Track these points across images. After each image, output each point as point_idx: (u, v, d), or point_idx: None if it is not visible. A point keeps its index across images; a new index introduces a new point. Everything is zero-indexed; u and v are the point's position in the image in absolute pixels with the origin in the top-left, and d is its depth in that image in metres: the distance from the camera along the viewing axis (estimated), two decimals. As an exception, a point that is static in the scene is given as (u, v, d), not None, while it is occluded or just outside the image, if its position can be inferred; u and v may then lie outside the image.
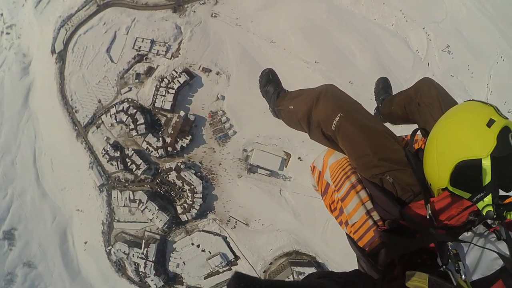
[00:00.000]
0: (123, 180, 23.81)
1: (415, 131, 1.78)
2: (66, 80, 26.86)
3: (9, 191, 30.41)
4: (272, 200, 21.67)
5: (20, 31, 31.39)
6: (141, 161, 22.21)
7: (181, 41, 23.02)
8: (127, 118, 22.29)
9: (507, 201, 1.26)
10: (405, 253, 1.29)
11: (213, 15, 23.25)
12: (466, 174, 1.22)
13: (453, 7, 22.06)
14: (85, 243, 28.31)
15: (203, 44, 22.54)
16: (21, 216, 30.15)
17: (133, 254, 23.90)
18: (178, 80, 21.45)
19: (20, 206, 30.08)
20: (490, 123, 1.20)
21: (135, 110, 22.17)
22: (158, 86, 22.17)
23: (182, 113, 21.33)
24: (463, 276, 1.01)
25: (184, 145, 21.54)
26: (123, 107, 22.64)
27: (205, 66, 21.96)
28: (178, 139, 21.41)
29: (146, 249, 23.28)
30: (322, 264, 21.99)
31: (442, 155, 1.30)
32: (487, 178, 1.18)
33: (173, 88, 21.44)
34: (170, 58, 22.70)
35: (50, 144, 29.01)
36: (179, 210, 22.53)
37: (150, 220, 22.99)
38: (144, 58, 23.40)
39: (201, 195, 21.69)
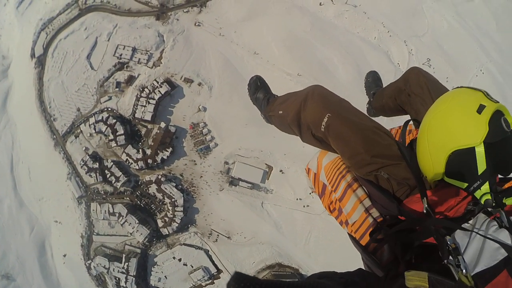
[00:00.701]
0: (102, 192, 23.10)
1: (406, 122, 1.76)
2: (45, 86, 25.99)
3: (-15, 201, 29.24)
4: (254, 213, 21.36)
5: (0, 32, 30.38)
6: (120, 173, 21.57)
7: (163, 49, 22.50)
8: (106, 128, 21.63)
9: (506, 185, 1.23)
10: (407, 249, 1.25)
11: (196, 24, 22.83)
12: (460, 164, 1.20)
13: (435, 21, 22.29)
14: (64, 255, 27.46)
15: (186, 53, 22.08)
16: None
17: (114, 269, 23.22)
18: (159, 91, 20.93)
19: None
20: (480, 109, 1.17)
21: (114, 120, 21.53)
22: (138, 96, 21.60)
23: (162, 125, 20.81)
24: (463, 271, 0.95)
25: (165, 157, 21.02)
26: (102, 117, 21.97)
27: (187, 77, 21.50)
28: (158, 151, 20.87)
29: (126, 263, 22.64)
30: (305, 276, 21.80)
31: (434, 147, 1.28)
32: (482, 166, 1.15)
33: (154, 99, 20.90)
34: (152, 67, 22.16)
35: (27, 152, 28.08)
36: (160, 223, 21.97)
37: (130, 233, 22.35)
38: (125, 66, 22.78)
39: (182, 208, 21.20)
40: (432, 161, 1.29)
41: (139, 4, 24.23)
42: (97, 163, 22.42)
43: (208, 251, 22.11)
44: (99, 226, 24.31)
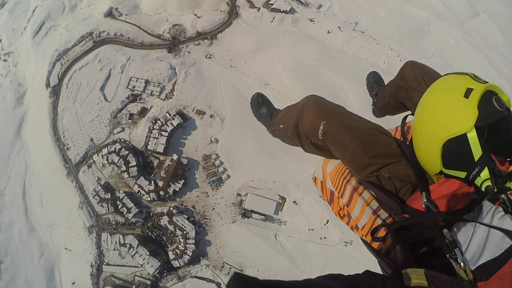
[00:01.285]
0: (113, 222, 23.05)
1: (404, 118, 1.72)
2: (59, 115, 26.55)
3: (-3, 223, 29.36)
4: (267, 245, 20.99)
5: (17, 60, 31.52)
6: (132, 204, 21.56)
7: (175, 82, 22.94)
8: (119, 159, 21.82)
9: (510, 169, 1.15)
10: (417, 246, 1.22)
11: (207, 56, 23.33)
12: (455, 153, 1.16)
13: (442, 41, 22.46)
14: (73, 283, 27.16)
15: (197, 85, 22.46)
16: (8, 249, 29.03)
17: (122, 300, 22.82)
18: (171, 123, 21.17)
19: (7, 239, 29.00)
20: (467, 93, 1.13)
21: (127, 152, 21.73)
22: (151, 128, 21.86)
23: (175, 157, 20.92)
24: (461, 264, 0.90)
25: (177, 189, 20.99)
26: (115, 148, 22.21)
27: (199, 109, 21.77)
28: (170, 183, 20.88)
29: (135, 295, 22.27)
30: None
31: (427, 140, 1.25)
32: (478, 152, 1.10)
33: (166, 131, 21.12)
34: (164, 99, 22.53)
35: (40, 178, 28.42)
36: (171, 255, 21.69)
37: (141, 265, 22.07)
38: (138, 98, 23.21)
39: (193, 241, 20.96)
40: (428, 154, 1.26)
41: (152, 37, 24.99)
42: (109, 194, 22.49)
43: (220, 284, 21.64)
44: (109, 256, 24.11)
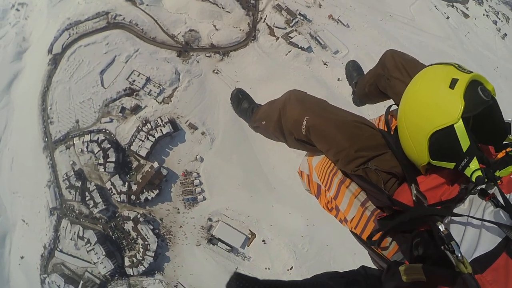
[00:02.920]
0: (77, 211, 22.28)
1: (388, 108, 1.70)
2: (52, 86, 25.60)
3: (-41, 171, 28.10)
4: (226, 276, 20.30)
5: (29, 13, 30.41)
6: (100, 199, 20.86)
7: (176, 88, 22.36)
8: (99, 151, 21.10)
9: (500, 155, 1.16)
10: (406, 237, 1.19)
11: (215, 71, 22.87)
12: (442, 144, 1.15)
13: None
14: (22, 257, 26.21)
15: (197, 98, 21.95)
16: None
17: (67, 292, 22.07)
18: (161, 129, 20.59)
19: None
20: (452, 83, 1.12)
21: (109, 146, 21.03)
22: (139, 128, 21.21)
23: (156, 165, 20.34)
24: (458, 256, 0.90)
25: (149, 198, 20.42)
26: (98, 138, 21.49)
27: (193, 122, 21.25)
28: (144, 190, 20.30)
29: (81, 291, 21.55)
30: None
31: (413, 132, 1.24)
32: (466, 142, 1.09)
33: (153, 136, 20.53)
34: (160, 103, 21.92)
35: (16, 142, 27.35)
36: (127, 262, 21.08)
37: (94, 263, 21.36)
38: (134, 93, 22.52)
39: (153, 254, 20.41)
40: (415, 146, 1.24)
41: (165, 36, 24.35)
42: (80, 182, 21.73)
43: (168, 302, 21.16)
44: (64, 243, 23.30)
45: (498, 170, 1.10)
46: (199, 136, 21.13)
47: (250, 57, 23.01)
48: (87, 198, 21.51)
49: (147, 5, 26.05)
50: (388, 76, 1.90)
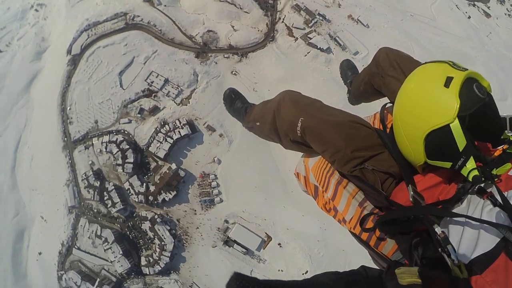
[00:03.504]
0: (95, 210, 22.58)
1: (383, 107, 1.71)
2: (71, 86, 26.00)
3: (-19, 167, 28.87)
4: (241, 278, 20.51)
5: (48, 14, 30.97)
6: (118, 199, 21.06)
7: (194, 89, 22.34)
8: (117, 151, 21.29)
9: (497, 153, 1.16)
10: (405, 237, 1.18)
11: (233, 72, 22.74)
12: (439, 144, 1.14)
13: None
14: (40, 253, 26.78)
15: (215, 99, 21.86)
16: None
17: (84, 289, 22.42)
18: (179, 131, 20.61)
19: None
20: (447, 82, 1.11)
21: (127, 147, 21.19)
22: (158, 129, 21.29)
23: (173, 166, 20.39)
24: (454, 261, 0.89)
25: (167, 199, 20.50)
26: (116, 139, 21.67)
27: (211, 124, 21.19)
28: (162, 191, 20.38)
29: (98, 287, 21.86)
30: None
31: (409, 132, 1.23)
32: (462, 142, 1.09)
33: (172, 138, 20.57)
34: (179, 104, 21.94)
35: (36, 140, 27.93)
36: (143, 261, 21.25)
37: (111, 261, 21.62)
38: (153, 94, 22.62)
39: (169, 254, 20.51)
40: (411, 146, 1.24)
41: (184, 37, 24.36)
42: (98, 182, 21.99)
43: (183, 301, 21.23)
44: (82, 241, 23.66)
45: (495, 168, 1.08)
46: (217, 138, 21.07)
47: (268, 58, 22.78)
48: (105, 198, 21.76)
49: (165, 5, 26.12)
50: (383, 74, 1.87)
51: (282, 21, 24.80)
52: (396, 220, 1.18)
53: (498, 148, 1.22)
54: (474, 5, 36.21)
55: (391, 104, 1.69)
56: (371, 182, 1.43)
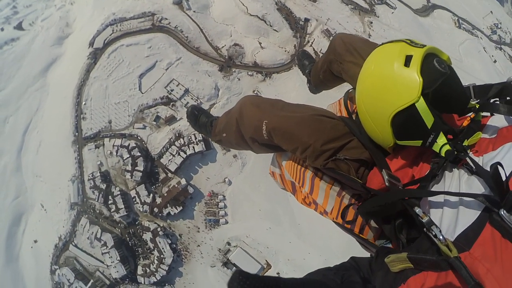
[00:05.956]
0: (97, 211, 22.37)
1: (346, 93, 1.73)
2: (88, 81, 25.65)
3: (-13, 144, 28.64)
4: (235, 301, 20.34)
5: (76, 0, 30.50)
6: (123, 206, 20.85)
7: (213, 104, 22.00)
8: (128, 157, 21.01)
9: (465, 123, 1.14)
10: (388, 219, 1.20)
11: (255, 92, 22.37)
12: (406, 124, 1.14)
13: None
14: (35, 241, 26.63)
15: (234, 118, 21.52)
16: None
17: (76, 287, 22.26)
18: (193, 147, 20.30)
19: None
20: (407, 61, 1.10)
21: (139, 154, 20.90)
22: (172, 140, 20.97)
23: (183, 181, 20.11)
24: (441, 239, 0.87)
25: (172, 213, 20.24)
26: (129, 144, 21.39)
27: (226, 143, 20.86)
28: (168, 205, 20.11)
29: (90, 289, 21.73)
30: None
31: (374, 116, 1.22)
32: (430, 119, 1.09)
33: (185, 153, 20.27)
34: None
35: (46, 128, 27.65)
36: (139, 270, 21.08)
37: (107, 265, 21.44)
38: (171, 103, 22.29)
39: (167, 268, 20.29)
40: (378, 129, 1.22)
41: (209, 47, 23.96)
42: (105, 185, 21.74)
43: (173, 316, 21.09)
44: (80, 239, 23.49)
45: (466, 139, 1.07)
46: (230, 158, 20.75)
47: (292, 82, 22.38)
48: (109, 202, 21.54)
49: (194, 11, 25.69)
50: (341, 61, 1.84)
51: (311, 45, 24.38)
52: (376, 205, 1.17)
53: (466, 117, 1.19)
54: (501, 48, 35.83)
55: (354, 89, 1.64)
56: (345, 172, 1.42)
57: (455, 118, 1.27)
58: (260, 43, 24.02)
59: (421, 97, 1.06)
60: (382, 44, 1.28)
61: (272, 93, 22.34)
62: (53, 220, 25.58)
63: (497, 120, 1.13)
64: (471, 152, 1.06)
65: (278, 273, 20.29)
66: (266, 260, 20.30)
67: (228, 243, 20.36)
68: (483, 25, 36.01)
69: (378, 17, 29.11)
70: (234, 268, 20.29)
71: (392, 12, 29.46)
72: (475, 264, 0.78)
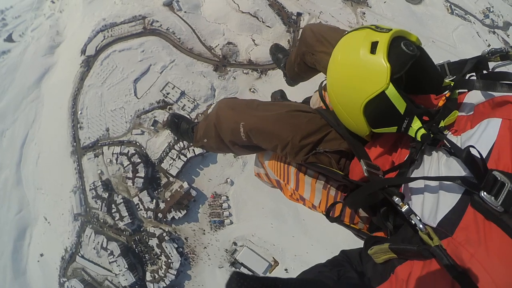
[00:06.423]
0: (102, 220, 22.25)
1: (321, 84, 1.71)
2: (83, 90, 25.37)
3: (-14, 159, 28.39)
4: (245, 300, 20.36)
5: (64, 7, 30.11)
6: (126, 213, 20.74)
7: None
8: (128, 165, 20.85)
9: (441, 103, 1.10)
10: (374, 208, 1.19)
11: (251, 90, 22.19)
12: (378, 112, 1.11)
13: None
14: (41, 255, 26.55)
15: (232, 118, 21.36)
16: None
17: (85, 298, 22.25)
18: (193, 150, 20.15)
19: None
20: (373, 48, 1.07)
21: (139, 160, 20.74)
22: (171, 145, 20.81)
23: (185, 185, 19.99)
24: (421, 227, 0.85)
25: (176, 217, 20.14)
26: (128, 151, 21.21)
27: (226, 144, 20.73)
28: (172, 209, 20.00)
29: (100, 299, 21.67)
30: None
31: (346, 106, 1.21)
32: (402, 104, 1.05)
33: (185, 156, 20.13)
34: (194, 119, 21.40)
35: (44, 139, 27.39)
36: (148, 276, 21.02)
37: (116, 274, 21.38)
38: (167, 107, 22.08)
39: (175, 272, 20.25)
40: (352, 119, 1.21)
41: (203, 47, 23.70)
42: (107, 194, 21.59)
43: (184, 319, 21.09)
44: (86, 250, 23.39)
45: (442, 120, 1.04)
46: (231, 158, 20.62)
47: (288, 78, 22.24)
48: (113, 210, 21.41)
49: (185, 12, 25.36)
50: (313, 52, 1.82)
51: (305, 39, 24.15)
52: (359, 196, 1.16)
53: (442, 96, 1.14)
54: (494, 32, 35.74)
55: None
56: (327, 164, 1.42)
57: (433, 97, 1.22)
58: (253, 40, 23.79)
59: (390, 83, 1.03)
60: (347, 32, 1.25)
61: (268, 90, 22.12)
62: (57, 232, 25.46)
63: (474, 96, 1.08)
64: (450, 132, 1.03)
65: (286, 270, 20.31)
66: (273, 257, 20.28)
67: (235, 243, 20.32)
68: (476, 10, 35.82)
69: (370, 7, 28.85)
70: (242, 267, 20.28)
71: (385, 2, 29.19)
72: (458, 249, 0.75)
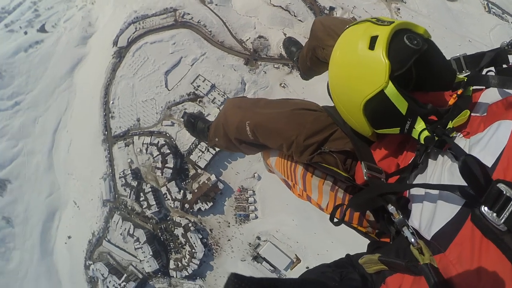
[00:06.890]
0: (129, 207, 22.89)
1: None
2: (115, 80, 26.02)
3: (20, 145, 29.88)
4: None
5: None
6: (154, 202, 21.21)
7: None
8: (157, 155, 21.26)
9: (451, 101, 1.01)
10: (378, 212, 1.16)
11: (281, 85, 21.95)
12: (379, 112, 1.05)
13: None
14: (69, 237, 27.71)
15: (261, 112, 21.26)
16: (20, 174, 29.54)
17: (111, 281, 23.13)
18: (222, 143, 20.23)
19: (23, 164, 29.45)
20: (372, 43, 1.00)
21: (168, 151, 21.09)
22: (200, 137, 21.00)
23: (213, 177, 20.17)
24: (412, 241, 0.79)
25: (203, 209, 20.42)
26: (158, 142, 21.61)
27: (254, 138, 20.70)
28: (199, 201, 20.28)
29: (125, 283, 22.42)
30: None
31: (346, 105, 1.16)
32: (403, 104, 0.98)
33: (214, 149, 20.25)
34: (223, 113, 21.50)
35: (75, 127, 28.39)
36: (171, 264, 21.51)
37: (140, 260, 22.01)
38: (198, 99, 22.26)
39: (198, 262, 20.61)
40: (353, 119, 1.17)
41: (234, 41, 23.64)
42: (136, 182, 22.15)
43: (206, 308, 21.45)
44: (113, 235, 24.20)
45: (451, 121, 0.95)
46: (259, 153, 20.54)
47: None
48: (141, 199, 21.96)
49: (216, 4, 25.33)
50: (323, 46, 1.78)
51: (337, 35, 23.57)
52: (360, 199, 1.10)
53: (455, 93, 1.03)
54: (534, 32, 33.56)
55: None
56: (332, 164, 1.37)
57: (447, 94, 1.11)
58: (285, 34, 23.40)
59: (390, 81, 0.95)
60: (348, 26, 1.17)
61: (299, 85, 21.87)
62: (86, 217, 26.48)
63: (490, 94, 0.96)
64: (461, 135, 0.93)
65: (307, 267, 20.05)
66: (295, 255, 20.20)
67: (258, 238, 20.39)
68: (513, 9, 33.73)
69: (405, 3, 27.70)
70: (264, 262, 20.33)
71: (421, -3, 27.96)
72: (449, 268, 0.67)
